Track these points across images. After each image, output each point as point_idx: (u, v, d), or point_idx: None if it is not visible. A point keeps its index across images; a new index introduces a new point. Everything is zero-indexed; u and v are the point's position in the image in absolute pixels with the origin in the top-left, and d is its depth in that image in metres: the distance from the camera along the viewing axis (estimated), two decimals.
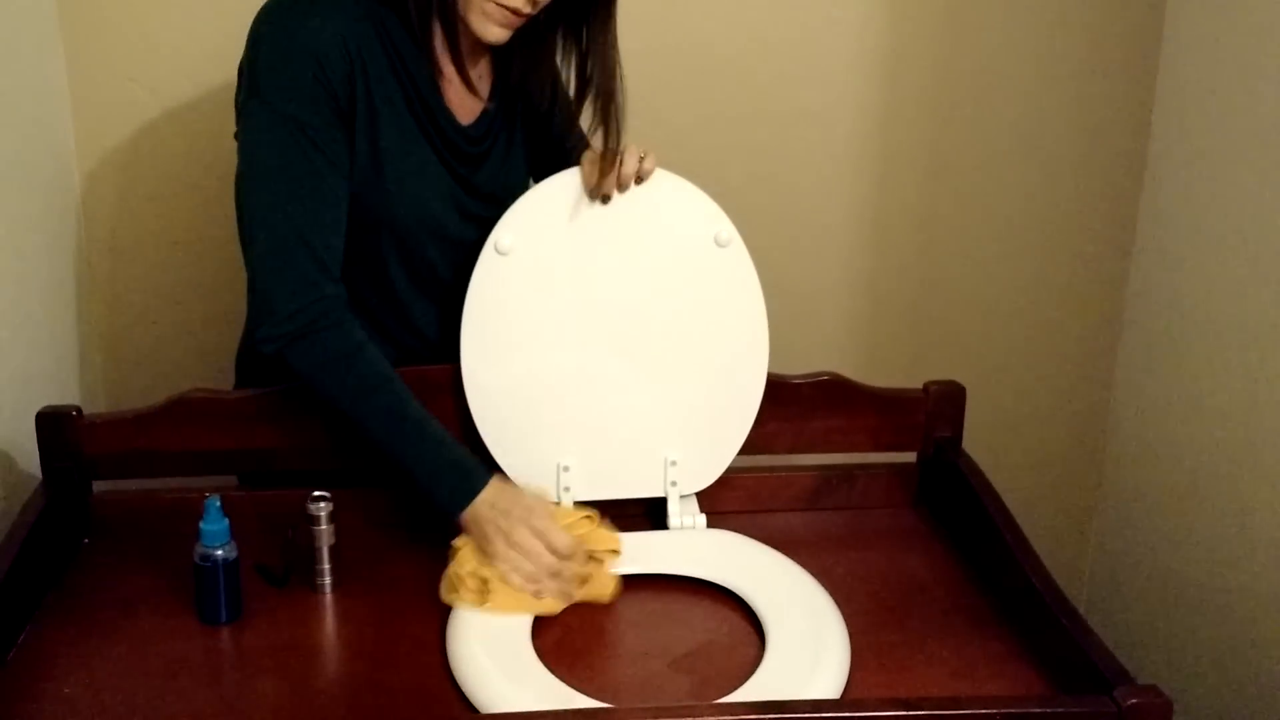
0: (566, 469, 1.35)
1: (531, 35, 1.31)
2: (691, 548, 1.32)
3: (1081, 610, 1.15)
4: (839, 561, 1.31)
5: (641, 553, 1.30)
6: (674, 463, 1.36)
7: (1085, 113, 1.73)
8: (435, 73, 1.29)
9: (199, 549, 1.18)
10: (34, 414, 1.31)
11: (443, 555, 1.28)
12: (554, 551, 1.20)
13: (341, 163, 1.24)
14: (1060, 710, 1.02)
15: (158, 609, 1.22)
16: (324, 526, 1.24)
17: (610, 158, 1.30)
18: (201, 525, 1.18)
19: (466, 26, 1.25)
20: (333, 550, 1.25)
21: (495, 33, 1.24)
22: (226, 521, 1.19)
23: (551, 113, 1.40)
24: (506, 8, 1.22)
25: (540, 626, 1.18)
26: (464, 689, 1.10)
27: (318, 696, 1.11)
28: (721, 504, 1.39)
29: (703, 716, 1.01)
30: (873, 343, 1.82)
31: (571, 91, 1.34)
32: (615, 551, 1.26)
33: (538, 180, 1.37)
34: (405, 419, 1.22)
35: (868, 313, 1.81)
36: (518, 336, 1.34)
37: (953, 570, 1.31)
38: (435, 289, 1.36)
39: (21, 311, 1.44)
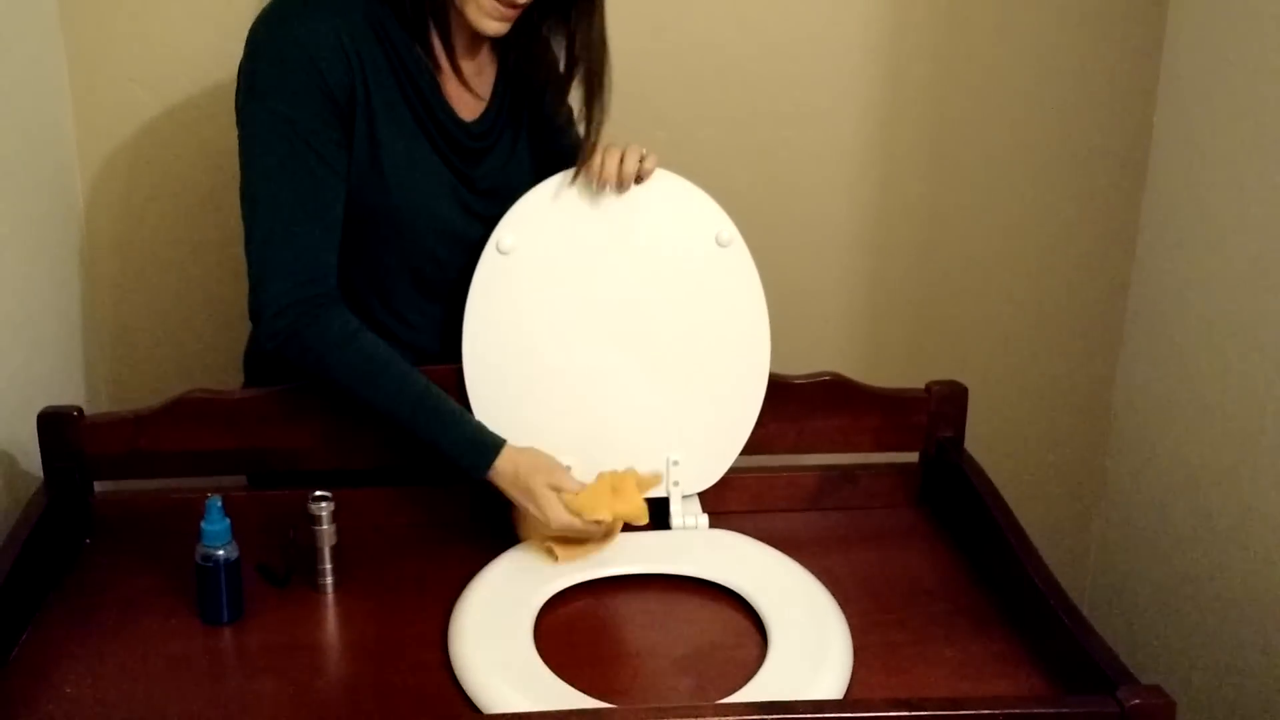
0: (568, 469, 1.34)
1: (526, 24, 1.32)
2: (693, 548, 1.32)
3: (1084, 610, 1.15)
4: (841, 562, 1.31)
5: (643, 553, 1.30)
6: (676, 463, 1.36)
7: (1087, 113, 1.73)
8: (434, 69, 1.29)
9: (200, 549, 1.18)
10: (35, 414, 1.31)
11: (443, 556, 1.29)
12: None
13: (337, 164, 1.25)
14: (1063, 710, 1.02)
15: (159, 609, 1.22)
16: (325, 526, 1.24)
17: (612, 153, 1.30)
18: (203, 525, 1.18)
19: (464, 20, 1.25)
20: (334, 550, 1.25)
21: (492, 25, 1.25)
22: (228, 522, 1.19)
23: (553, 108, 1.40)
24: (501, 1, 1.22)
25: (542, 627, 1.18)
26: (465, 689, 1.10)
27: (319, 696, 1.11)
28: (723, 504, 1.39)
29: (705, 717, 1.01)
30: (875, 343, 1.82)
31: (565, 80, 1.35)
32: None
33: (541, 179, 1.37)
34: (410, 398, 1.25)
35: (869, 313, 1.81)
36: (519, 336, 1.34)
37: (955, 570, 1.31)
38: (441, 287, 1.36)
39: (23, 312, 1.44)
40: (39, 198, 1.51)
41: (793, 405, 1.39)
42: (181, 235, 1.66)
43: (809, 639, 1.16)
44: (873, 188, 1.75)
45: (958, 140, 1.73)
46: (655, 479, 1.33)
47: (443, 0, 1.25)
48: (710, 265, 1.35)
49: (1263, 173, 1.48)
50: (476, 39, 1.32)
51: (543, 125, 1.41)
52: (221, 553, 1.18)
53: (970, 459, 1.39)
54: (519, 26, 1.30)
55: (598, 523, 1.25)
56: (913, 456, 1.43)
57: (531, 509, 1.24)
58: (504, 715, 1.03)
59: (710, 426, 1.37)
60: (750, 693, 1.08)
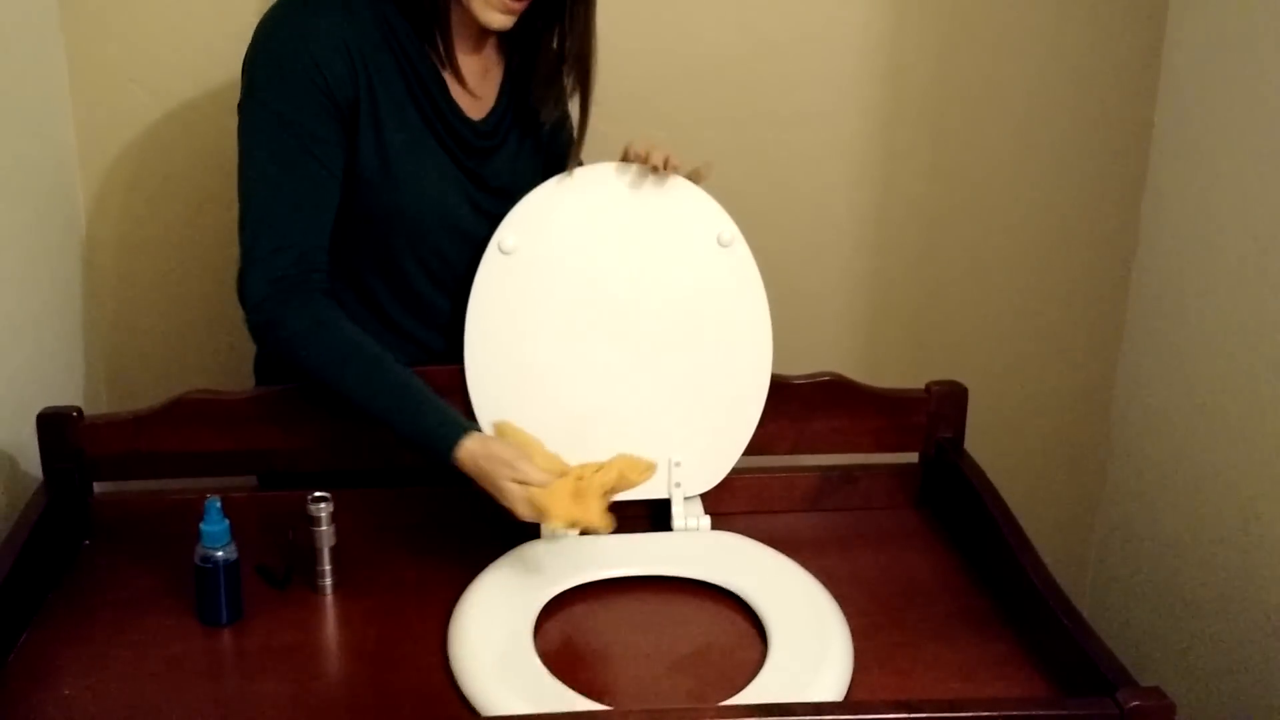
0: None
1: (529, 21, 1.32)
2: (694, 549, 1.32)
3: (1084, 611, 1.14)
4: (841, 563, 1.31)
5: (644, 554, 1.30)
6: (678, 464, 1.36)
7: (1087, 113, 1.73)
8: (441, 67, 1.29)
9: (199, 550, 1.18)
10: (35, 415, 1.31)
11: (442, 557, 1.28)
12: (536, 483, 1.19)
13: (332, 164, 1.25)
14: (1063, 712, 1.02)
15: (158, 610, 1.22)
16: (324, 527, 1.24)
17: (658, 151, 1.32)
18: (202, 526, 1.18)
19: (470, 17, 1.26)
20: (333, 551, 1.25)
21: (497, 19, 1.26)
22: (227, 523, 1.19)
23: (556, 102, 1.40)
24: None
25: (542, 629, 1.18)
26: (465, 691, 1.10)
27: (318, 698, 1.11)
28: (724, 505, 1.38)
29: (704, 719, 1.01)
30: (874, 343, 1.82)
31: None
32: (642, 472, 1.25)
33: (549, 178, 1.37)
34: (379, 384, 1.23)
35: (869, 313, 1.81)
36: (521, 336, 1.34)
37: (955, 571, 1.31)
38: (451, 284, 1.36)
39: (23, 312, 1.43)
40: (39, 198, 1.51)
41: (792, 406, 1.39)
42: (181, 236, 1.66)
43: (809, 641, 1.15)
44: (874, 188, 1.75)
45: (958, 141, 1.73)
46: (648, 467, 1.25)
47: None
48: (712, 265, 1.35)
49: (1263, 173, 1.48)
50: (483, 36, 1.32)
51: (552, 126, 1.41)
52: (220, 554, 1.18)
53: (970, 459, 1.38)
54: (525, 25, 1.31)
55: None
56: (912, 457, 1.43)
57: (500, 499, 1.20)
58: (503, 718, 1.03)
59: (712, 427, 1.37)
60: (750, 695, 1.08)
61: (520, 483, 1.18)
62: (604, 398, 1.35)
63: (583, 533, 1.25)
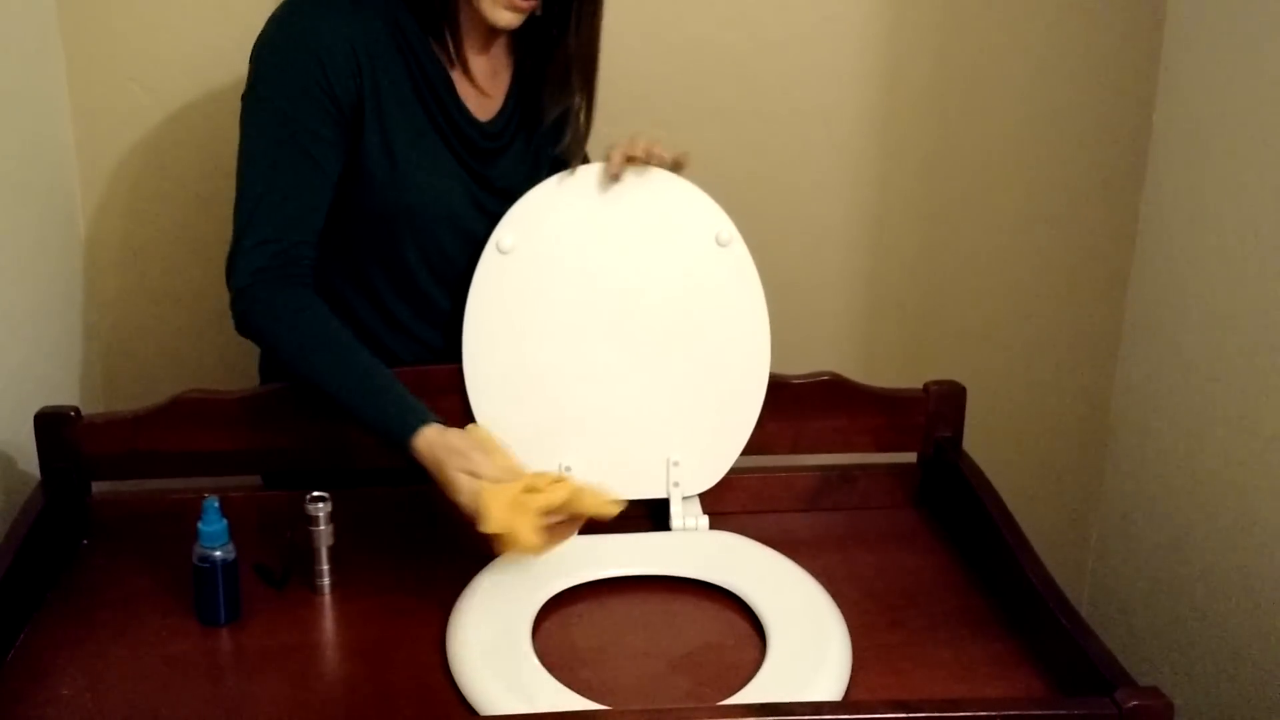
0: (568, 469, 1.35)
1: (540, 23, 1.33)
2: (692, 549, 1.32)
3: (1082, 611, 1.15)
4: (839, 562, 1.31)
5: (642, 554, 1.30)
6: (676, 463, 1.36)
7: (1086, 111, 1.73)
8: (449, 67, 1.29)
9: (197, 550, 1.18)
10: (33, 414, 1.31)
11: (441, 556, 1.28)
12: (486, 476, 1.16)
13: (327, 162, 1.26)
14: (1061, 712, 1.02)
15: (156, 610, 1.21)
16: (322, 527, 1.24)
17: (637, 141, 1.32)
18: (200, 526, 1.18)
19: (478, 16, 1.26)
20: (331, 551, 1.25)
21: (506, 17, 1.26)
22: (225, 522, 1.19)
23: (564, 105, 1.40)
24: None
25: (540, 628, 1.18)
26: (463, 690, 1.10)
27: (317, 697, 1.11)
28: (722, 505, 1.38)
29: (703, 719, 1.01)
30: (873, 342, 1.82)
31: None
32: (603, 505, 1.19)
33: None
34: (346, 373, 1.23)
35: (868, 312, 1.81)
36: (519, 336, 1.34)
37: (953, 571, 1.31)
38: (454, 282, 1.36)
39: (20, 311, 1.43)
40: (37, 197, 1.51)
41: (791, 405, 1.39)
42: (180, 235, 1.66)
43: (807, 640, 1.15)
44: (872, 187, 1.75)
45: (957, 139, 1.73)
46: (607, 502, 1.18)
47: None
48: (710, 265, 1.35)
49: (1262, 171, 1.48)
50: (492, 37, 1.32)
51: (560, 129, 1.41)
52: (219, 553, 1.18)
53: (968, 459, 1.38)
54: (535, 28, 1.31)
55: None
56: (911, 457, 1.43)
57: (448, 491, 1.17)
58: (502, 717, 1.03)
59: (711, 427, 1.37)
60: (749, 694, 1.08)
61: (471, 475, 1.15)
62: (602, 397, 1.35)
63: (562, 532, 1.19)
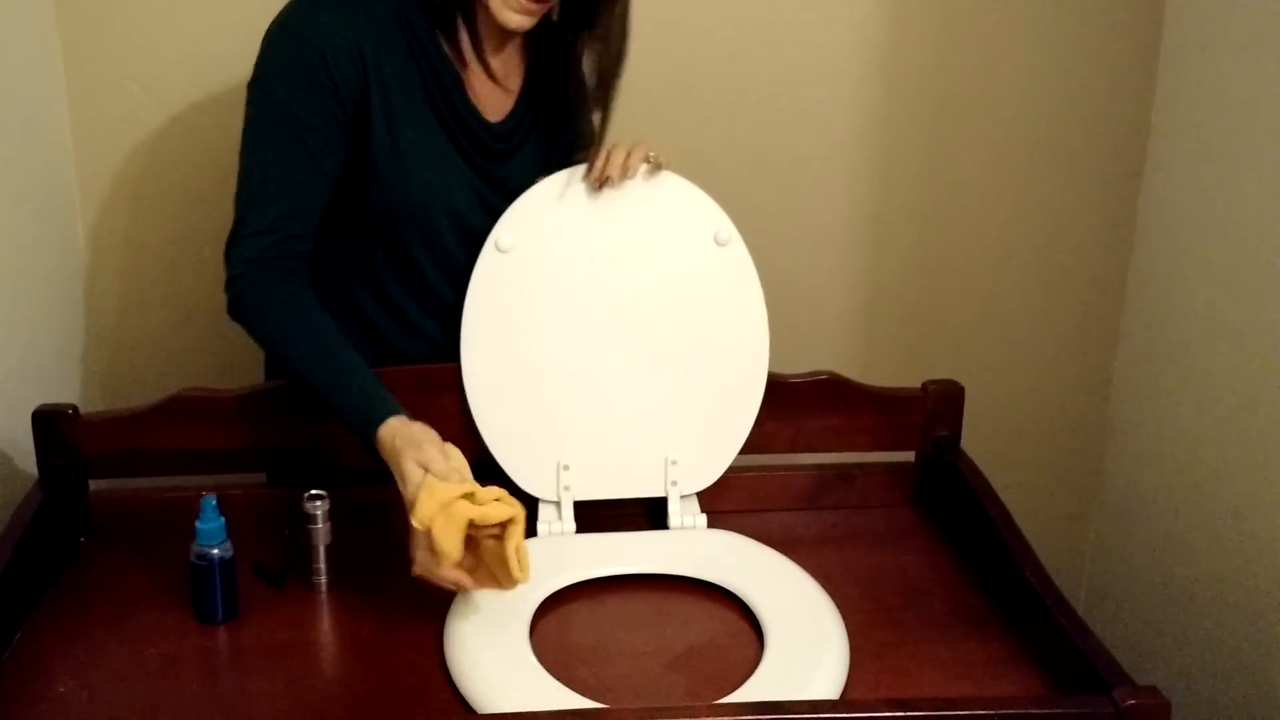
0: (566, 468, 1.35)
1: (556, 28, 1.34)
2: (690, 548, 1.32)
3: (1080, 611, 1.14)
4: (837, 562, 1.31)
5: (640, 552, 1.30)
6: (674, 462, 1.36)
7: (1084, 111, 1.73)
8: (460, 66, 1.29)
9: (195, 548, 1.18)
10: (30, 412, 1.30)
11: None
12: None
13: (327, 159, 1.26)
14: (1058, 711, 1.02)
15: (154, 608, 1.21)
16: (320, 525, 1.24)
17: (619, 150, 1.31)
18: (197, 524, 1.18)
19: (489, 17, 1.26)
20: (329, 549, 1.25)
21: (515, 19, 1.26)
22: (222, 520, 1.18)
23: (578, 112, 1.40)
24: None
25: (538, 627, 1.18)
26: (461, 689, 1.10)
27: (314, 696, 1.11)
28: (720, 503, 1.38)
29: (700, 717, 1.01)
30: (871, 342, 1.82)
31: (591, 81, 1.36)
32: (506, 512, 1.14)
33: None
34: (325, 363, 1.23)
35: (866, 312, 1.81)
36: (517, 335, 1.34)
37: (951, 570, 1.31)
38: (461, 281, 1.36)
39: (18, 309, 1.43)
40: (34, 196, 1.51)
41: (789, 404, 1.39)
42: (177, 233, 1.66)
43: (805, 639, 1.15)
44: (870, 186, 1.75)
45: (955, 139, 1.73)
46: (507, 516, 1.13)
47: None
48: (709, 264, 1.35)
49: (1261, 170, 1.48)
50: (504, 38, 1.32)
51: (569, 133, 1.41)
52: (216, 551, 1.18)
53: (966, 458, 1.38)
54: (550, 33, 1.32)
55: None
56: (909, 456, 1.43)
57: (399, 483, 1.16)
58: (499, 715, 1.03)
59: (709, 426, 1.37)
60: (746, 693, 1.08)
61: (423, 468, 1.14)
62: (600, 396, 1.35)
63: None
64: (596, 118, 1.37)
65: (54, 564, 1.27)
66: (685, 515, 1.35)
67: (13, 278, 1.42)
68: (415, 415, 1.20)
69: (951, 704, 1.03)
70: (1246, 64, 1.51)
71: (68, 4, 1.55)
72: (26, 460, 1.35)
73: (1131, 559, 1.78)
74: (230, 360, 1.65)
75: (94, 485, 1.35)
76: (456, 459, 1.16)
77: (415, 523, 1.11)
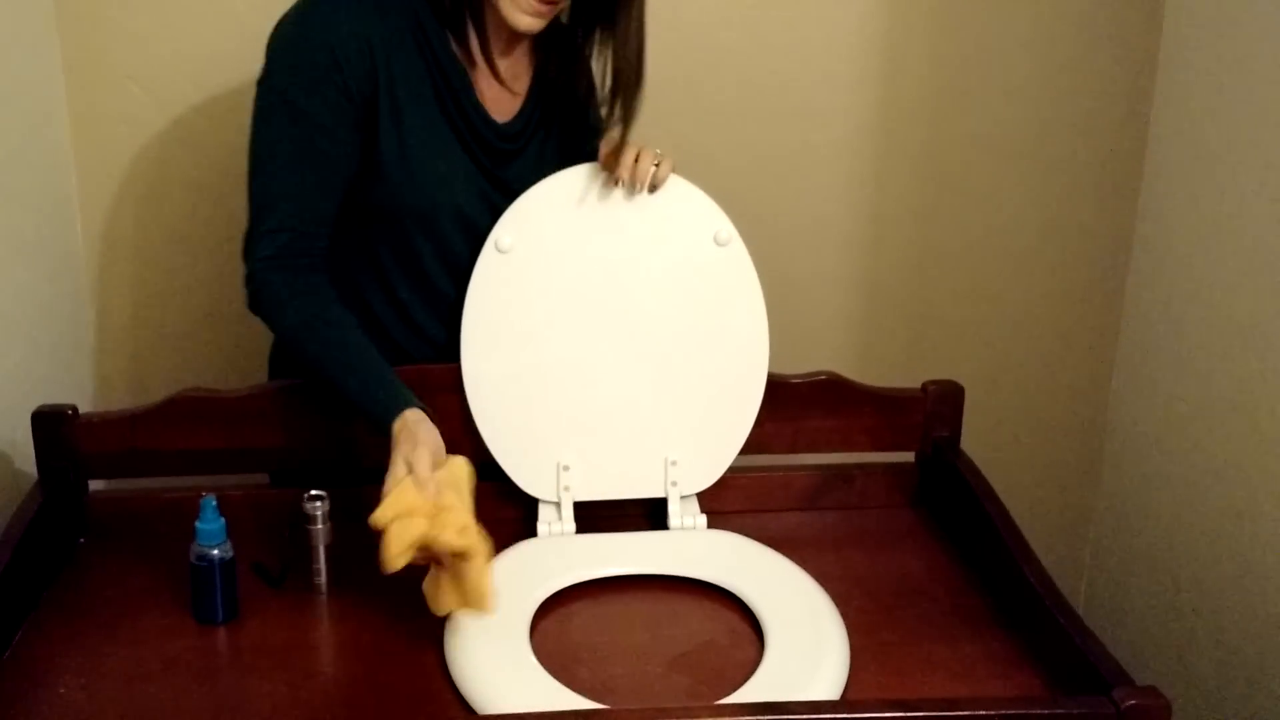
0: (566, 469, 1.35)
1: (565, 31, 1.34)
2: (690, 548, 1.32)
3: (1080, 611, 1.15)
4: (837, 562, 1.31)
5: (640, 553, 1.30)
6: (674, 463, 1.36)
7: (1084, 111, 1.73)
8: (469, 67, 1.30)
9: (195, 548, 1.18)
10: (30, 413, 1.30)
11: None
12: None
13: (338, 157, 1.26)
14: (1059, 711, 1.02)
15: (154, 609, 1.21)
16: (320, 526, 1.24)
17: (630, 151, 1.31)
18: (197, 525, 1.18)
19: (499, 18, 1.26)
20: (329, 550, 1.24)
21: (525, 21, 1.26)
22: (222, 521, 1.18)
23: (586, 113, 1.40)
24: None
25: (538, 627, 1.18)
26: (461, 689, 1.10)
27: (314, 696, 1.10)
28: (720, 504, 1.38)
29: (701, 717, 1.01)
30: (871, 342, 1.82)
31: (603, 85, 1.35)
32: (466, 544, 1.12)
33: None
34: (344, 353, 1.24)
35: (866, 312, 1.81)
36: (518, 336, 1.34)
37: (951, 571, 1.31)
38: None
39: (18, 310, 1.43)
40: (34, 196, 1.51)
41: (789, 405, 1.39)
42: (177, 233, 1.66)
43: (806, 640, 1.15)
44: (870, 187, 1.75)
45: (955, 140, 1.73)
46: (457, 543, 1.10)
47: None
48: (709, 264, 1.35)
49: (1260, 171, 1.48)
50: (513, 40, 1.32)
51: (576, 134, 1.41)
52: (216, 552, 1.18)
53: (966, 459, 1.38)
54: (559, 35, 1.32)
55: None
56: (909, 456, 1.43)
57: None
58: (500, 716, 1.03)
59: (709, 426, 1.37)
60: (747, 693, 1.08)
61: (407, 467, 1.14)
62: (600, 397, 1.35)
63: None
64: (610, 121, 1.37)
65: (54, 564, 1.27)
66: (685, 516, 1.35)
67: (12, 278, 1.42)
68: None
69: (952, 704, 1.02)
70: (1246, 63, 1.51)
71: (67, 4, 1.55)
72: (26, 461, 1.34)
73: (1131, 559, 1.78)
74: (230, 360, 1.66)
75: (94, 486, 1.35)
76: (451, 472, 1.16)
77: (371, 521, 1.10)
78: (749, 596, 1.22)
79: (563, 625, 1.20)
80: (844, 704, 1.07)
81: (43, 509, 1.26)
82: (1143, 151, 1.74)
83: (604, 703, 1.06)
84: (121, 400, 1.64)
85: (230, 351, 1.67)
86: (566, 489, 1.35)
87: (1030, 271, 1.80)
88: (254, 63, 1.26)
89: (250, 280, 1.27)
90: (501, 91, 1.34)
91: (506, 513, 1.33)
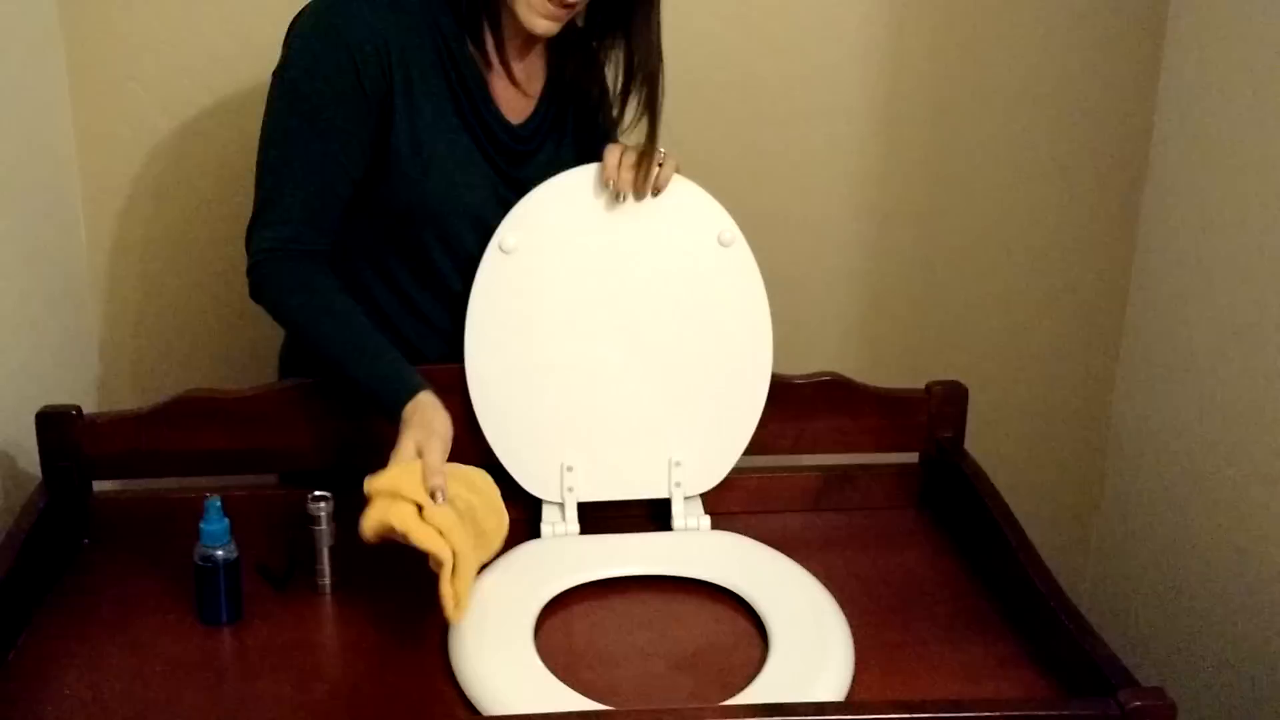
0: (570, 469, 1.34)
1: (580, 33, 1.34)
2: (694, 549, 1.32)
3: (1084, 612, 1.14)
4: (841, 563, 1.31)
5: (644, 554, 1.30)
6: (678, 463, 1.36)
7: (1087, 112, 1.73)
8: (485, 67, 1.30)
9: (199, 549, 1.18)
10: (34, 413, 1.30)
11: None
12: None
13: (349, 154, 1.27)
14: (1064, 713, 1.02)
15: (158, 609, 1.21)
16: (324, 527, 1.24)
17: (649, 157, 1.30)
18: (202, 525, 1.18)
19: (515, 20, 1.26)
20: (333, 551, 1.24)
21: (541, 24, 1.26)
22: (227, 522, 1.18)
23: (598, 116, 1.40)
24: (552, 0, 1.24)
25: (542, 628, 1.18)
26: (465, 690, 1.10)
27: (318, 698, 1.10)
28: (724, 505, 1.38)
29: (705, 719, 1.00)
30: (875, 343, 1.82)
31: (615, 87, 1.35)
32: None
33: None
34: (350, 338, 1.25)
35: (870, 313, 1.81)
36: (521, 336, 1.34)
37: (955, 571, 1.31)
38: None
39: (22, 311, 1.43)
40: (38, 197, 1.51)
41: (793, 405, 1.39)
42: (180, 234, 1.66)
43: (810, 641, 1.15)
44: (874, 187, 1.75)
45: (958, 140, 1.73)
46: (461, 592, 1.12)
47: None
48: (712, 265, 1.35)
49: (1264, 171, 1.48)
50: (529, 42, 1.33)
51: (591, 135, 1.41)
52: (220, 553, 1.18)
53: (970, 459, 1.38)
54: (574, 37, 1.32)
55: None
56: (913, 457, 1.43)
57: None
58: (504, 717, 1.03)
59: (712, 427, 1.37)
60: (751, 695, 1.08)
61: (417, 452, 1.15)
62: (604, 397, 1.35)
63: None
64: (623, 125, 1.37)
65: (58, 565, 1.27)
66: (689, 517, 1.35)
67: (16, 279, 1.42)
68: None
69: (956, 705, 1.02)
70: (1249, 63, 1.51)
71: (71, 6, 1.55)
72: (30, 461, 1.35)
73: (1135, 560, 1.78)
74: (235, 360, 1.66)
75: (98, 486, 1.35)
76: (469, 477, 1.19)
77: (365, 486, 1.12)
78: (753, 597, 1.22)
79: (567, 626, 1.20)
80: (848, 705, 1.07)
81: (47, 510, 1.26)
82: (1146, 152, 1.74)
83: (608, 704, 1.06)
84: (126, 401, 1.65)
85: (234, 352, 1.67)
86: (570, 490, 1.35)
87: (1034, 272, 1.80)
88: (257, 65, 1.26)
89: (253, 270, 1.28)
90: (516, 93, 1.34)
91: (510, 514, 1.33)
